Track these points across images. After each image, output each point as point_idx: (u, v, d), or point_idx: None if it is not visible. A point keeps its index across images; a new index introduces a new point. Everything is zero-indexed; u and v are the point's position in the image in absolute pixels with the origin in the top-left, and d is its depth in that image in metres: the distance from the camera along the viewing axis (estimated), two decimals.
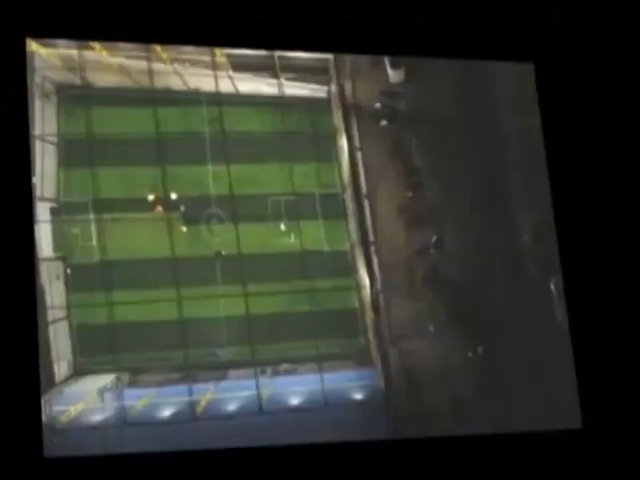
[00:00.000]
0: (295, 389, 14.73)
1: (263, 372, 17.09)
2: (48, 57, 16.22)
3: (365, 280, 18.62)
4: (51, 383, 16.19)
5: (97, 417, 13.24)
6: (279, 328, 17.09)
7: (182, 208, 18.61)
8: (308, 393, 14.25)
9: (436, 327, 17.15)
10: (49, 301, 16.77)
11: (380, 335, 16.89)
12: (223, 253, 18.33)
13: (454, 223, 17.09)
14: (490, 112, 16.50)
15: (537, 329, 14.43)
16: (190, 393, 13.83)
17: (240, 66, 18.10)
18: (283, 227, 19.10)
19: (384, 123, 17.86)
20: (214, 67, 16.39)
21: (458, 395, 16.07)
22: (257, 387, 13.69)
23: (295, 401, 14.07)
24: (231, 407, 13.57)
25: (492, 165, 16.56)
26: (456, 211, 16.94)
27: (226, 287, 17.76)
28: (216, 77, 16.38)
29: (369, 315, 18.17)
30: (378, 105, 17.81)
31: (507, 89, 14.90)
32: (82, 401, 13.91)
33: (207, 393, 14.21)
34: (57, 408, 13.92)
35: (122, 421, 12.88)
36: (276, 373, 16.56)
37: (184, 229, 18.71)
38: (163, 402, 14.19)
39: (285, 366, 16.96)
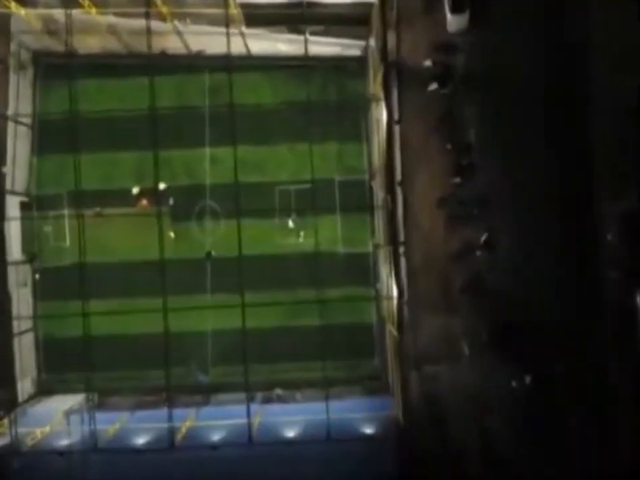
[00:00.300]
0: (291, 418, 14.70)
1: (252, 398, 17.00)
2: (27, 18, 16.57)
3: (388, 289, 18.02)
4: (14, 402, 16.97)
5: (64, 441, 13.81)
6: (275, 345, 16.98)
7: (170, 201, 18.73)
8: (307, 423, 14.29)
9: (472, 348, 16.47)
10: (15, 309, 17.52)
11: (401, 356, 16.55)
12: (214, 254, 18.32)
13: (511, 218, 16.28)
14: (578, 67, 15.10)
15: (607, 356, 13.65)
16: (169, 418, 14.12)
17: (256, 19, 16.98)
18: (291, 223, 18.63)
19: (434, 86, 17.01)
20: (227, 20, 15.39)
21: (494, 433, 15.51)
22: (248, 414, 13.77)
23: (290, 432, 14.21)
24: (216, 436, 13.84)
25: (572, 139, 15.40)
26: (516, 201, 16.00)
27: (216, 296, 17.84)
28: (229, 35, 14.61)
29: (389, 331, 17.76)
30: (428, 62, 16.97)
31: (606, 35, 12.71)
32: (48, 423, 14.54)
33: (187, 419, 14.49)
34: (20, 430, 14.62)
35: (91, 446, 13.51)
36: (268, 399, 16.44)
37: (172, 233, 18.89)
38: (137, 427, 14.53)
39: (278, 391, 16.87)
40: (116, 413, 15.34)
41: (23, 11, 15.89)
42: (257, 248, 18.40)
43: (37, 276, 18.17)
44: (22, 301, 17.74)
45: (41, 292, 18.25)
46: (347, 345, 17.96)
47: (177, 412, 16.31)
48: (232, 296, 19.20)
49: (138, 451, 13.59)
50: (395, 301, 16.27)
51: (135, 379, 17.87)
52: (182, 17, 16.72)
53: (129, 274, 17.96)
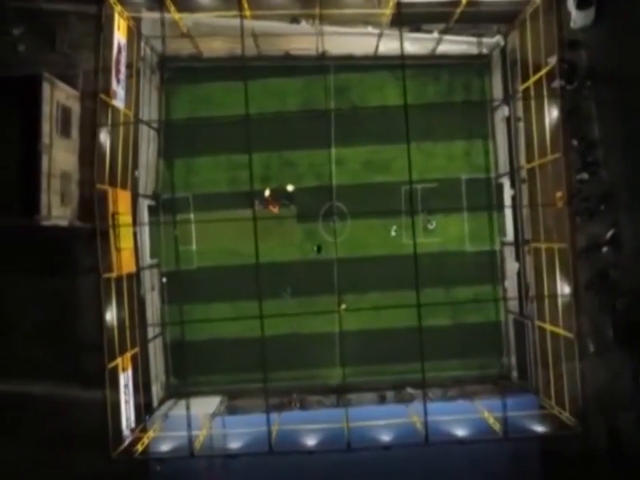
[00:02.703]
0: (445, 417, 14.70)
1: (383, 398, 17.37)
2: (180, 23, 15.46)
3: (515, 288, 17.69)
4: (150, 407, 17.15)
5: (234, 445, 14.07)
6: (404, 345, 17.19)
7: (295, 204, 18.49)
8: (468, 422, 14.55)
9: (598, 346, 16.80)
10: (149, 315, 17.68)
11: (529, 354, 16.89)
12: (329, 256, 17.84)
13: (638, 214, 15.68)
14: None
15: None
16: (346, 419, 13.61)
17: (404, 19, 15.16)
18: (430, 225, 18.05)
19: (559, 83, 16.72)
20: (401, 20, 13.94)
21: (621, 431, 15.73)
22: (425, 413, 13.57)
23: (460, 431, 14.41)
24: (385, 436, 14.07)
25: None
26: None
27: (342, 297, 18.00)
28: (402, 36, 13.84)
29: (517, 330, 18.06)
30: (553, 59, 16.39)
31: None
32: (201, 427, 14.78)
33: (343, 420, 14.33)
34: (165, 434, 14.86)
35: (267, 449, 13.68)
36: (400, 399, 16.78)
37: (296, 228, 18.24)
38: (297, 429, 14.58)
39: (409, 390, 17.22)
40: (252, 416, 15.40)
41: (177, 16, 15.76)
42: (383, 249, 18.70)
43: (164, 280, 18.48)
44: (152, 306, 18.07)
45: (168, 296, 18.26)
46: (476, 343, 18.13)
47: (314, 413, 16.60)
48: (360, 296, 19.37)
49: (312, 452, 13.77)
50: (520, 301, 16.38)
51: (261, 381, 17.99)
52: (312, 18, 16.84)
53: (255, 276, 17.88)
